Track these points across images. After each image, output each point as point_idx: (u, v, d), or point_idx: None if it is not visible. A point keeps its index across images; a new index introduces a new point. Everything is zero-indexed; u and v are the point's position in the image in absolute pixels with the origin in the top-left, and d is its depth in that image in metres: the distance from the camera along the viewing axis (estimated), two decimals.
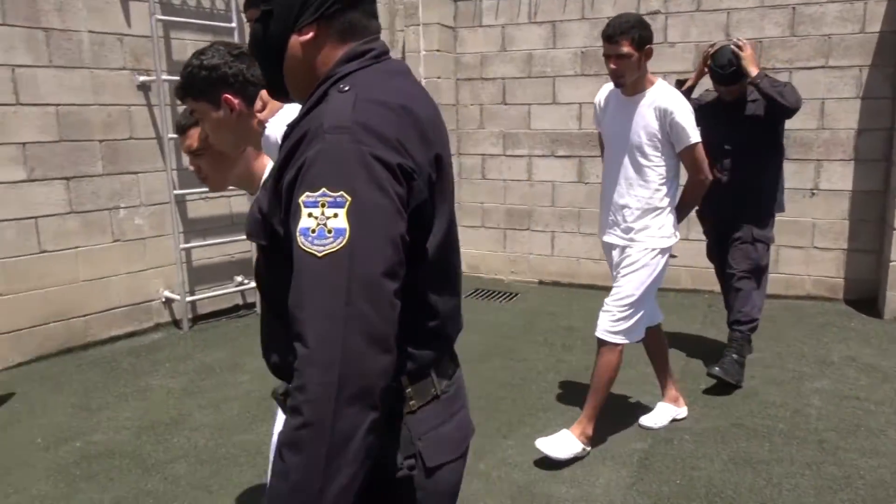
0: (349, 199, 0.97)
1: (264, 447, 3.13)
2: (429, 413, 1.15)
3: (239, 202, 5.09)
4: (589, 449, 2.98)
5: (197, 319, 4.91)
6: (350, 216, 0.96)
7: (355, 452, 0.94)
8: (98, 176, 4.33)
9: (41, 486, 2.84)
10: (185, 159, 4.74)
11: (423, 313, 1.13)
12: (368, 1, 1.18)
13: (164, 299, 4.76)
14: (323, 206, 0.97)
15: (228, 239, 5.03)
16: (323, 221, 0.97)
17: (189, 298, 4.80)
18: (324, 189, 0.98)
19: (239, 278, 5.14)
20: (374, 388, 0.95)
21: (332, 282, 0.96)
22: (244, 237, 4.99)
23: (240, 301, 5.23)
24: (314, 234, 0.97)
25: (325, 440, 0.93)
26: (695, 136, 2.87)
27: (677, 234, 3.02)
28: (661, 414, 3.28)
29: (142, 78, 4.43)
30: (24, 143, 3.97)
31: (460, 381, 1.27)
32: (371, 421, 0.96)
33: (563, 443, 2.94)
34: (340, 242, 0.96)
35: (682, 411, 3.32)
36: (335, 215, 0.97)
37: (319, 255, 0.96)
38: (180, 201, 4.72)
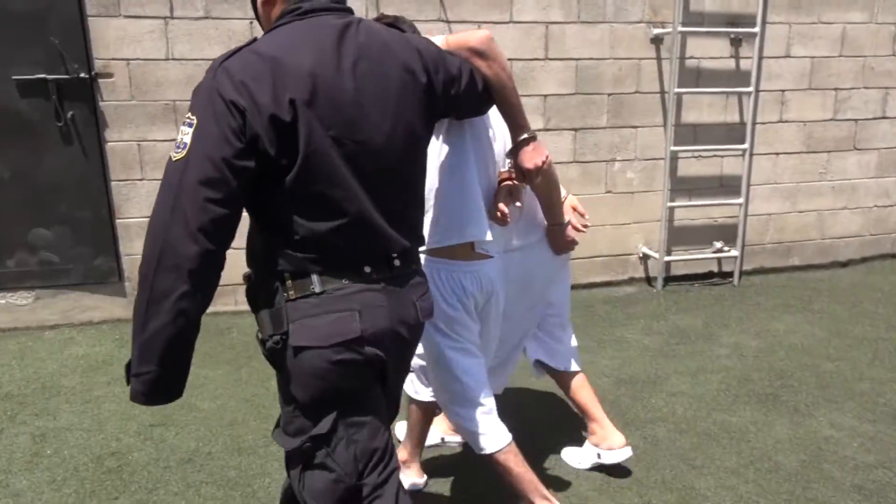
0: (195, 122, 1.30)
1: (750, 434, 2.87)
2: (304, 304, 1.41)
3: (731, 163, 4.75)
4: None
5: (669, 280, 4.82)
6: (192, 135, 1.29)
7: (168, 308, 1.29)
8: (601, 128, 4.49)
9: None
10: (684, 115, 4.59)
11: (292, 229, 1.39)
12: None
13: (641, 255, 4.79)
14: (185, 125, 1.31)
15: (715, 201, 4.75)
16: (182, 137, 1.31)
17: (666, 258, 4.73)
18: (189, 114, 1.33)
19: (718, 244, 4.84)
20: (184, 265, 1.28)
21: (171, 181, 1.30)
22: (733, 201, 4.71)
23: (715, 268, 4.95)
24: (176, 145, 1.32)
25: (147, 290, 1.30)
26: None
27: None
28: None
29: (656, 31, 4.37)
30: (545, 96, 4.34)
31: (368, 292, 1.44)
32: (182, 291, 1.29)
33: None
34: (182, 154, 1.30)
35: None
36: (187, 133, 1.30)
37: (173, 160, 1.31)
38: (673, 158, 4.62)
